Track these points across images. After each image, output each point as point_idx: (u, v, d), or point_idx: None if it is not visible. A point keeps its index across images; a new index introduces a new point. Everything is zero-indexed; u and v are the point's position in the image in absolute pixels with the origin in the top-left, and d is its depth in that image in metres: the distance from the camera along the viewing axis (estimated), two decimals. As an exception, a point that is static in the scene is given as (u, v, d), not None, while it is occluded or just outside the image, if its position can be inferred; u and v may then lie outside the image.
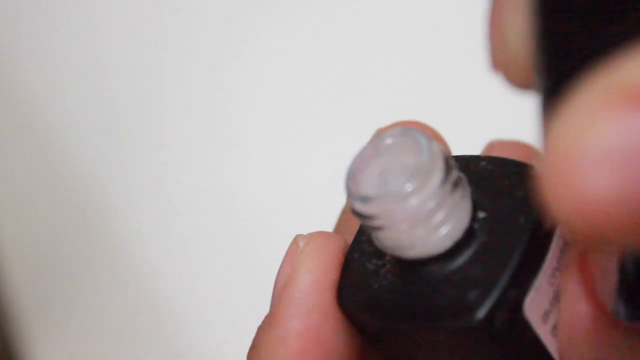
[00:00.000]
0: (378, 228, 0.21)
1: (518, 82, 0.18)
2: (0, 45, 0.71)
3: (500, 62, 0.19)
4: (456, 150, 0.27)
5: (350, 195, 0.21)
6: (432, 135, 0.26)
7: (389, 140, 0.21)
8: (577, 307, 0.20)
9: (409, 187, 0.20)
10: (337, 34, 0.61)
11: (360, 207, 0.20)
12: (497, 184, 0.22)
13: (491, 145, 0.27)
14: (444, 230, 0.20)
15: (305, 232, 0.24)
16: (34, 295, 0.65)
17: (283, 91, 0.62)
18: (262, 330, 0.23)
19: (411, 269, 0.21)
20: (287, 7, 0.63)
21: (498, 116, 0.48)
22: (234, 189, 0.62)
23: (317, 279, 0.23)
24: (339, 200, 0.26)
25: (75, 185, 0.67)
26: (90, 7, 0.69)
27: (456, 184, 0.21)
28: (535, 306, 0.20)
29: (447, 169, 0.20)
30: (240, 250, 0.61)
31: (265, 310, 0.24)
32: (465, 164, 0.23)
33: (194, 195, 0.63)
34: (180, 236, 0.63)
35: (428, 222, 0.20)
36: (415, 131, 0.21)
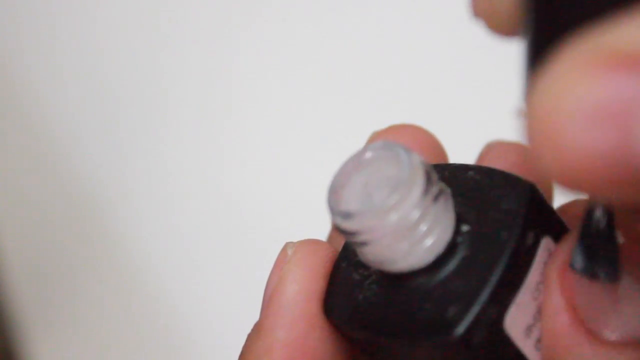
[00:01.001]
0: (360, 243, 0.21)
1: (500, 29, 0.19)
2: (0, 45, 0.71)
3: (482, 9, 0.19)
4: (454, 151, 0.26)
5: (331, 211, 0.21)
6: (427, 138, 0.26)
7: (368, 155, 0.21)
8: (558, 321, 0.20)
9: (388, 202, 0.20)
10: (335, 40, 0.61)
11: (342, 223, 0.20)
12: (482, 195, 0.21)
13: (489, 146, 0.27)
14: (425, 245, 0.20)
15: (304, 235, 0.24)
16: (34, 295, 0.66)
17: (282, 94, 0.62)
18: (250, 340, 0.23)
19: (394, 282, 0.21)
20: (287, 15, 0.63)
21: (496, 117, 0.48)
22: (233, 190, 0.62)
23: (304, 289, 0.23)
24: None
25: (75, 185, 0.67)
26: (90, 7, 0.69)
27: (438, 197, 0.20)
28: (516, 321, 0.20)
29: (428, 182, 0.20)
30: (240, 251, 0.61)
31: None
32: (452, 173, 0.22)
33: (194, 197, 0.63)
34: (180, 238, 0.63)
35: (409, 237, 0.20)
36: (395, 144, 0.20)
